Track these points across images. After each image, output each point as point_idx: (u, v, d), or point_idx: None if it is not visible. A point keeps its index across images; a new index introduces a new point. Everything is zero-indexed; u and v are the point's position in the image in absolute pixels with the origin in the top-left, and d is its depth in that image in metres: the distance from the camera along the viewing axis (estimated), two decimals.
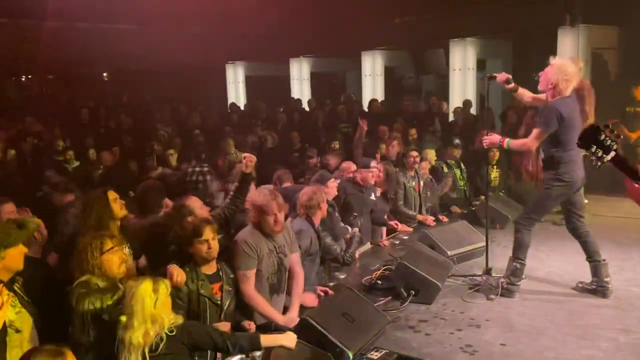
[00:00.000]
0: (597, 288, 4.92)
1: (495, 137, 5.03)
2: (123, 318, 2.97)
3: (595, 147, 2.89)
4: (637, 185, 2.93)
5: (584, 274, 5.11)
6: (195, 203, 4.41)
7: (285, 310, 4.28)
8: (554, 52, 9.98)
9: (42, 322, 3.21)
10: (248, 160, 4.66)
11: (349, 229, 5.56)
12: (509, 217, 6.89)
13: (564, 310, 4.64)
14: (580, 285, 5.07)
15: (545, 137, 4.76)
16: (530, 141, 4.85)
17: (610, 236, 6.45)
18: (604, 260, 4.93)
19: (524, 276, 5.09)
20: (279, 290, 4.28)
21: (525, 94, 5.15)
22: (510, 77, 5.01)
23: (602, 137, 2.88)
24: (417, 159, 7.19)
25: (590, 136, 2.90)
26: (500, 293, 4.91)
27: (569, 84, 4.70)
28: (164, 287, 3.07)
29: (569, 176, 4.78)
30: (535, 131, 4.81)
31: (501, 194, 7.69)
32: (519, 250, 4.99)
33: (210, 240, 3.72)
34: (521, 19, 10.51)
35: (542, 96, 4.97)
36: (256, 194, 4.48)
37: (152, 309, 2.97)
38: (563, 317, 4.51)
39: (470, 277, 5.30)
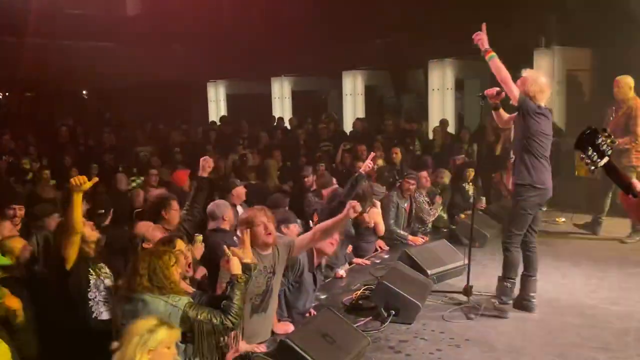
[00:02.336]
0: (522, 302, 4.97)
1: (483, 36, 4.92)
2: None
3: (591, 149, 2.81)
4: (631, 198, 2.84)
5: (562, 293, 5.18)
6: (143, 228, 4.23)
7: None
8: None
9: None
10: (206, 164, 4.43)
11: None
12: (487, 236, 6.95)
13: (542, 329, 4.67)
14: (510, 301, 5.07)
15: (520, 104, 4.69)
16: (512, 85, 4.72)
17: (587, 254, 6.54)
18: (535, 277, 5.02)
19: None
20: (260, 310, 4.09)
21: (504, 114, 5.17)
22: (500, 89, 4.90)
23: (599, 140, 2.81)
24: (414, 186, 7.23)
25: (588, 138, 2.83)
26: (493, 314, 4.89)
27: (543, 95, 4.78)
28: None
29: (541, 184, 4.82)
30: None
31: (480, 212, 7.73)
32: (509, 270, 4.99)
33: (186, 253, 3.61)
34: (498, 40, 10.69)
35: (513, 115, 5.01)
36: (242, 214, 4.28)
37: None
38: (542, 336, 4.54)
39: (451, 297, 5.32)
